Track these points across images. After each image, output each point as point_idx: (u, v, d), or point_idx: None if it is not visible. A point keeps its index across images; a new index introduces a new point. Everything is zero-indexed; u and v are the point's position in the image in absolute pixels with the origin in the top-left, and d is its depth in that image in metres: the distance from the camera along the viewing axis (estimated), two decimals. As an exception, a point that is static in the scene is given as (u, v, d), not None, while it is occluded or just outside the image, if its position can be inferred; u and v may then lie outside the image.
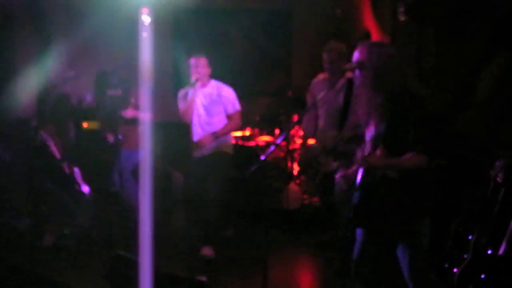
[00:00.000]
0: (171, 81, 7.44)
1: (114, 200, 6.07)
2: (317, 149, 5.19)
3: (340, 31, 7.02)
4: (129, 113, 5.83)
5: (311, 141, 5.42)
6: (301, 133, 5.53)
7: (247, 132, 7.41)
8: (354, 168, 3.36)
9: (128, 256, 4.02)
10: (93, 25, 6.28)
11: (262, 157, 3.50)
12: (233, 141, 5.63)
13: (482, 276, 3.72)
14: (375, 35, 6.26)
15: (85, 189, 5.81)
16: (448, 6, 5.16)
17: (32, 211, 5.61)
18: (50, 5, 6.70)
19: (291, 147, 6.80)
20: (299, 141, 6.90)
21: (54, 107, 6.85)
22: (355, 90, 3.91)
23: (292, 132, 6.62)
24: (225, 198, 5.43)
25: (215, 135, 5.32)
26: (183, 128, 5.70)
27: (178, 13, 7.49)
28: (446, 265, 4.06)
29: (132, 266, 3.34)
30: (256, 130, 7.45)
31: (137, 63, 1.93)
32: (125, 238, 5.22)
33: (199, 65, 5.21)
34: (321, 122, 5.27)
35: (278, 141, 4.64)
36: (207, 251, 5.17)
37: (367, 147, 3.28)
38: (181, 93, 5.41)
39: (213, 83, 5.37)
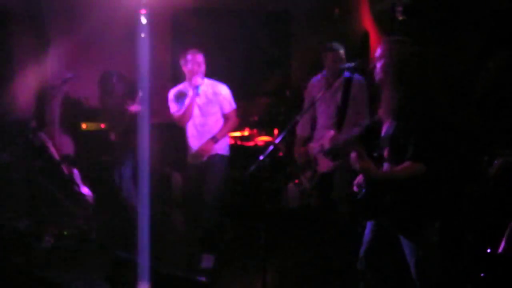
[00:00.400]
0: (170, 82, 7.43)
1: (114, 201, 6.07)
2: (315, 148, 5.20)
3: (338, 31, 7.02)
4: (134, 108, 5.74)
5: (307, 141, 5.42)
6: (297, 132, 5.52)
7: (246, 132, 7.41)
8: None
9: (128, 257, 4.02)
10: (91, 25, 6.28)
11: (261, 157, 3.49)
12: (230, 142, 5.55)
13: (481, 275, 3.72)
14: (373, 35, 6.27)
15: (84, 190, 5.80)
16: (446, 5, 5.17)
17: (31, 213, 5.61)
18: (48, 4, 6.68)
19: (289, 147, 6.81)
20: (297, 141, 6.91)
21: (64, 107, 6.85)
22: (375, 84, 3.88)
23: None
24: (224, 200, 5.42)
25: (215, 140, 5.15)
26: (181, 128, 5.70)
27: (177, 13, 7.48)
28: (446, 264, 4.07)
29: (132, 267, 3.34)
30: (255, 130, 7.45)
31: (136, 63, 1.94)
32: (124, 239, 5.22)
33: (196, 61, 4.99)
34: (319, 122, 5.28)
35: (277, 141, 4.64)
36: (206, 262, 5.09)
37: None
38: (172, 93, 5.20)
39: (207, 81, 5.15)
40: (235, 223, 6.13)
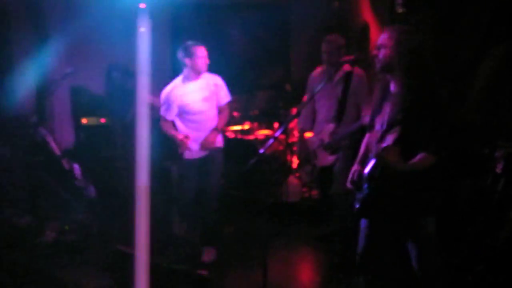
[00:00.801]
0: (170, 77, 7.43)
1: (114, 195, 6.09)
2: (315, 142, 5.21)
3: (338, 24, 7.01)
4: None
5: (309, 134, 5.42)
6: (299, 125, 5.52)
7: (246, 126, 7.42)
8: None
9: (129, 251, 4.03)
10: (91, 20, 6.27)
11: (261, 151, 3.49)
12: (230, 135, 5.49)
13: (481, 266, 3.73)
14: (373, 28, 6.25)
15: (85, 184, 5.81)
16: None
17: (33, 207, 5.62)
18: (47, 0, 6.68)
19: (290, 140, 6.81)
20: (297, 134, 6.92)
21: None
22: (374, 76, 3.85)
23: (291, 125, 6.63)
24: (223, 194, 5.41)
25: (218, 131, 5.09)
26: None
27: (176, 7, 7.47)
28: (446, 257, 4.07)
29: (133, 261, 3.35)
30: (255, 124, 7.46)
31: (135, 58, 1.93)
32: (125, 233, 5.22)
33: (202, 55, 4.87)
34: (319, 115, 5.27)
35: (277, 134, 4.64)
36: (207, 256, 5.09)
37: (376, 135, 3.24)
38: (169, 90, 5.00)
39: (207, 74, 5.03)
40: (236, 217, 6.13)
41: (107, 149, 6.61)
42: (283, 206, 6.37)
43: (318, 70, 5.32)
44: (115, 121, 6.64)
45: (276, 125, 7.24)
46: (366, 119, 3.83)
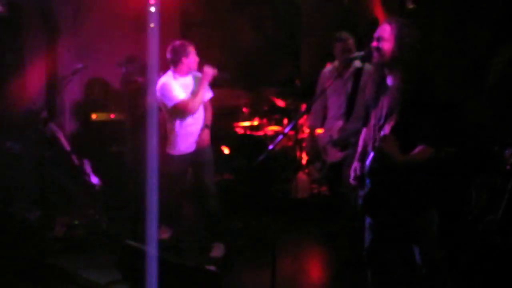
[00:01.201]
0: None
1: (124, 190, 6.11)
2: (324, 139, 5.20)
3: (348, 19, 6.98)
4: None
5: (319, 131, 5.41)
6: (308, 122, 5.52)
7: (256, 122, 7.41)
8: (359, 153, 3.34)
9: (138, 246, 4.04)
10: (101, 16, 6.29)
11: (270, 147, 3.49)
12: (239, 131, 5.46)
13: (492, 264, 3.72)
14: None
15: (95, 180, 5.83)
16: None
17: (42, 203, 5.64)
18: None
19: (299, 137, 6.80)
20: (307, 131, 6.91)
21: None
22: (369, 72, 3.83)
23: (301, 121, 6.62)
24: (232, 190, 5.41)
25: (208, 128, 5.10)
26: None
27: (185, 3, 7.47)
28: (456, 254, 4.06)
29: (142, 256, 3.36)
30: (265, 120, 7.45)
31: (145, 54, 1.94)
32: (135, 228, 5.24)
33: (195, 53, 4.98)
34: (329, 112, 5.26)
35: (286, 130, 4.63)
36: (216, 251, 5.09)
37: (372, 130, 3.22)
38: (174, 84, 4.97)
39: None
40: (245, 213, 6.14)
41: (117, 145, 6.63)
42: (292, 202, 6.37)
43: (329, 66, 5.31)
44: (125, 117, 6.66)
45: (285, 121, 7.23)
46: None
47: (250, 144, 6.96)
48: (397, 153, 3.03)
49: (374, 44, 3.16)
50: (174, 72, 4.97)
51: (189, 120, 5.02)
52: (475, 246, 3.86)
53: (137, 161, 5.86)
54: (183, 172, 5.16)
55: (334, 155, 5.10)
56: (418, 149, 3.03)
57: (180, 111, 4.95)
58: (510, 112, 4.69)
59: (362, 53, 3.87)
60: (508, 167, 3.80)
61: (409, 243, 3.24)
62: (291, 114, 7.04)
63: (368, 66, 4.96)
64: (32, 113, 6.08)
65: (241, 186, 6.60)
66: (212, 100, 5.23)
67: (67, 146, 5.83)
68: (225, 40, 7.52)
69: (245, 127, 7.38)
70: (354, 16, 7.06)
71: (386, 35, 3.11)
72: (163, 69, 5.07)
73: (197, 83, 4.98)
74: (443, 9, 5.22)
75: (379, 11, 6.36)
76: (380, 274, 3.33)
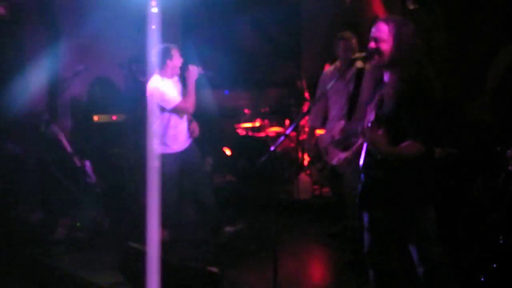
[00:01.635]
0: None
1: (126, 192, 6.11)
2: (326, 139, 5.19)
3: (349, 20, 6.98)
4: None
5: (320, 132, 5.41)
6: (309, 123, 5.51)
7: (257, 123, 7.41)
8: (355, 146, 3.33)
9: (140, 248, 4.04)
10: (102, 18, 6.29)
11: (272, 148, 3.48)
12: (241, 133, 5.55)
13: (494, 265, 3.71)
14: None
15: (96, 181, 5.84)
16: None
17: (44, 204, 5.65)
18: (59, -2, 6.72)
19: (301, 138, 6.80)
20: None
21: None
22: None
23: (302, 122, 6.61)
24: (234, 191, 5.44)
25: (193, 120, 5.34)
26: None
27: (187, 4, 7.48)
28: (458, 255, 4.05)
29: (144, 258, 3.36)
30: (266, 121, 7.45)
31: (146, 55, 1.93)
32: (137, 229, 5.24)
33: (179, 56, 5.15)
34: (331, 113, 5.26)
35: (288, 131, 4.63)
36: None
37: (369, 123, 3.21)
38: (164, 85, 5.08)
39: None
40: (247, 214, 6.14)
41: (118, 147, 6.63)
42: (294, 203, 6.36)
43: (331, 67, 5.30)
44: (126, 118, 6.66)
45: (287, 122, 7.23)
46: None
47: (252, 146, 6.96)
48: (383, 143, 3.01)
49: (373, 45, 3.13)
50: (161, 74, 5.09)
51: (174, 119, 5.16)
52: (478, 246, 3.85)
53: (137, 162, 5.86)
54: (176, 171, 5.25)
55: (336, 156, 5.10)
56: (405, 143, 3.02)
57: (180, 112, 5.13)
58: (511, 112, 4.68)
59: (363, 53, 3.87)
60: (510, 167, 3.79)
61: (407, 242, 3.23)
62: (293, 115, 7.04)
63: (369, 67, 4.96)
64: (34, 115, 6.08)
65: (243, 188, 6.59)
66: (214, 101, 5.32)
67: (68, 148, 5.84)
68: (226, 41, 7.52)
69: (246, 129, 7.38)
70: (355, 17, 7.06)
71: (384, 36, 3.10)
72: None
73: (185, 83, 5.15)
74: (445, 9, 5.22)
75: (380, 11, 6.36)
76: (381, 275, 3.33)
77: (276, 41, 7.96)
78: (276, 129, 7.33)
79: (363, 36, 3.31)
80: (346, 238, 5.07)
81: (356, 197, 3.32)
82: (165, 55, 5.07)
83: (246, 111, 7.48)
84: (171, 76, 5.17)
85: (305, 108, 6.83)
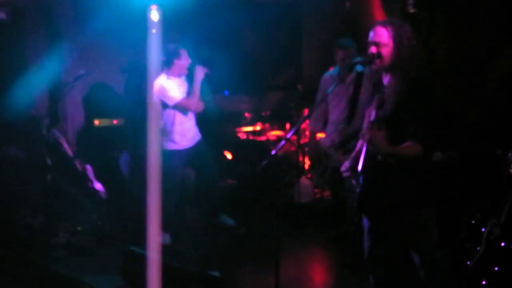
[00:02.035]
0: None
1: (127, 196, 6.11)
2: (326, 143, 5.20)
3: (349, 24, 6.99)
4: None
5: (320, 135, 5.41)
6: (310, 127, 5.52)
7: (258, 127, 7.42)
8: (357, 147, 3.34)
9: (141, 252, 4.04)
10: (103, 22, 6.30)
11: (273, 152, 3.49)
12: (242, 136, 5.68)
13: (495, 268, 3.71)
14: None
15: (98, 186, 5.84)
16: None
17: (46, 209, 5.65)
18: (59, 2, 6.72)
19: (302, 141, 6.80)
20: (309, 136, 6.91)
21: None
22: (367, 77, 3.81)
23: (303, 126, 6.62)
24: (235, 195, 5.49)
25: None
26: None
27: (187, 8, 7.48)
28: (459, 258, 4.05)
29: (145, 262, 3.36)
30: (267, 125, 7.45)
31: (146, 59, 1.94)
32: (138, 233, 5.24)
33: (187, 56, 5.34)
34: (332, 116, 5.27)
35: (289, 135, 4.64)
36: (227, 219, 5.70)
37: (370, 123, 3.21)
38: (172, 84, 5.29)
39: None
40: (248, 217, 6.14)
41: (119, 151, 6.64)
42: (295, 207, 6.36)
43: (331, 71, 5.31)
44: (126, 122, 6.67)
45: (288, 126, 7.23)
46: None
47: (253, 149, 6.96)
48: (383, 143, 3.02)
49: (374, 50, 3.13)
50: (167, 73, 5.29)
51: (180, 117, 5.35)
52: (479, 250, 3.85)
53: (138, 166, 5.87)
54: (182, 167, 5.51)
55: (336, 159, 5.10)
56: (405, 144, 3.03)
57: (182, 109, 5.32)
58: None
59: (364, 58, 3.87)
60: (511, 170, 3.79)
61: (408, 246, 3.23)
62: (294, 118, 7.05)
63: (368, 70, 4.97)
64: (35, 119, 6.09)
65: (244, 191, 6.59)
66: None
67: (70, 152, 5.84)
68: (227, 45, 7.52)
69: (247, 132, 7.38)
70: (355, 21, 7.07)
71: (384, 40, 3.10)
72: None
73: (192, 82, 5.34)
74: (445, 13, 5.23)
75: (380, 15, 6.37)
76: (381, 278, 3.32)
77: (276, 44, 7.97)
78: (276, 132, 7.33)
79: (363, 40, 3.31)
80: (347, 241, 5.06)
81: (355, 201, 3.32)
82: (173, 54, 5.28)
83: (246, 114, 7.49)
84: (178, 75, 5.36)
85: (305, 112, 6.84)
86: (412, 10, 5.44)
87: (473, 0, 5.07)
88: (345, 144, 4.99)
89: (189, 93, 5.36)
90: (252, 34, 7.85)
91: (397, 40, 3.07)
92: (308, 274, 5.03)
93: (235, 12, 7.78)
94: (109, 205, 5.87)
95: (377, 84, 3.25)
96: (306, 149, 6.77)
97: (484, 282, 3.72)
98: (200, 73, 5.30)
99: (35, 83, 6.20)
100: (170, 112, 5.31)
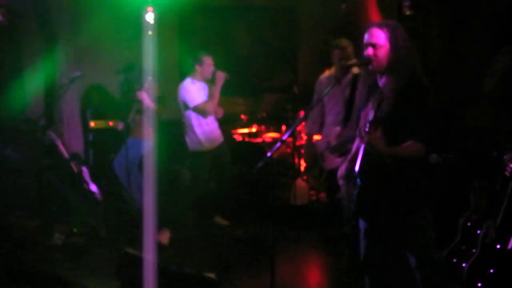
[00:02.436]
0: (176, 79, 7.44)
1: (122, 198, 6.09)
2: (322, 145, 5.20)
3: (345, 26, 7.00)
4: (143, 95, 5.81)
5: (316, 137, 5.41)
6: (306, 129, 5.53)
7: (254, 129, 7.41)
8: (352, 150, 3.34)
9: (137, 254, 4.03)
10: (99, 24, 6.30)
11: (269, 154, 3.49)
12: (238, 138, 5.83)
13: (491, 271, 3.71)
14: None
15: (93, 188, 5.83)
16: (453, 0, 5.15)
17: (41, 211, 5.64)
18: (55, 4, 6.72)
19: (297, 143, 6.80)
20: (305, 137, 6.91)
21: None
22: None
23: (299, 128, 6.62)
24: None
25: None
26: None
27: (183, 10, 7.49)
28: (455, 260, 4.05)
29: (141, 264, 3.35)
30: (263, 127, 7.45)
31: (143, 61, 1.94)
32: (133, 236, 5.24)
33: (210, 63, 5.65)
34: (328, 119, 5.27)
35: (285, 137, 4.63)
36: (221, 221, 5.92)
37: (362, 128, 3.21)
38: (195, 87, 5.64)
39: None
40: (243, 219, 6.14)
41: (115, 152, 6.62)
42: (291, 209, 6.36)
43: (326, 74, 5.31)
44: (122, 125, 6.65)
45: (283, 128, 7.23)
46: None
47: (249, 151, 6.96)
48: (383, 144, 3.01)
49: (370, 51, 3.13)
50: (192, 78, 5.67)
51: (205, 120, 5.70)
52: (475, 252, 3.85)
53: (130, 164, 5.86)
54: (207, 167, 5.81)
55: (332, 161, 5.10)
56: (406, 144, 3.03)
57: (200, 111, 5.63)
58: (508, 117, 4.70)
59: (360, 60, 3.88)
60: (507, 172, 3.80)
61: (404, 248, 3.23)
62: (290, 120, 7.05)
63: (363, 72, 4.97)
64: (31, 121, 6.08)
65: (239, 193, 6.59)
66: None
67: (65, 154, 5.83)
68: (223, 47, 7.53)
69: (243, 134, 7.38)
70: (351, 23, 7.08)
71: (380, 41, 3.09)
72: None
73: (211, 87, 5.68)
74: (441, 15, 5.24)
75: (376, 17, 6.38)
76: (377, 280, 3.32)
77: (272, 46, 7.97)
78: (272, 134, 7.33)
79: (359, 42, 3.30)
80: (343, 243, 5.06)
81: (352, 202, 3.32)
82: (195, 60, 5.65)
83: (242, 116, 7.48)
84: (202, 80, 5.69)
85: (301, 114, 6.84)
86: (408, 12, 5.45)
87: (468, 2, 5.09)
88: (342, 147, 4.99)
89: (210, 96, 5.66)
90: (247, 36, 7.85)
91: (393, 41, 3.07)
92: (304, 275, 5.03)
93: (231, 15, 7.80)
94: (104, 206, 5.86)
95: (373, 86, 3.25)
96: (302, 151, 6.77)
97: (479, 285, 3.73)
98: (220, 78, 5.59)
99: (31, 85, 6.21)
100: (192, 114, 5.65)
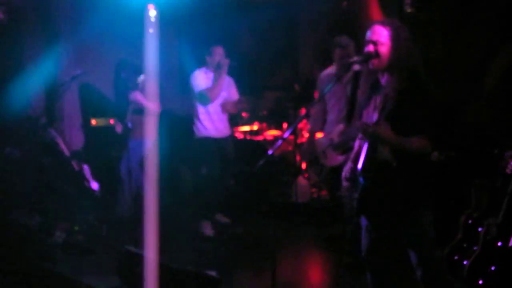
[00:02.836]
0: (177, 76, 7.44)
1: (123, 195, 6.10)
2: (324, 142, 5.19)
3: (346, 24, 6.99)
4: (137, 96, 5.88)
5: (319, 135, 5.41)
6: (308, 126, 5.52)
7: (255, 127, 7.41)
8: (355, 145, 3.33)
9: (138, 252, 4.03)
10: (100, 22, 6.29)
11: (270, 152, 3.48)
12: (239, 136, 5.80)
13: (492, 268, 3.71)
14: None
15: (94, 185, 5.83)
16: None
17: (42, 208, 5.64)
18: (56, 2, 6.71)
19: (299, 141, 6.80)
20: (307, 135, 6.90)
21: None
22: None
23: (300, 126, 6.61)
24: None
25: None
26: (189, 121, 5.78)
27: (184, 8, 7.48)
28: (456, 258, 4.05)
29: (142, 262, 3.35)
30: (264, 125, 7.45)
31: (144, 58, 1.93)
32: (134, 233, 5.24)
33: (219, 53, 5.76)
34: (329, 116, 5.26)
35: (286, 135, 4.63)
36: (207, 229, 5.70)
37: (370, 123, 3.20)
38: (199, 73, 5.77)
39: None
40: (245, 217, 6.14)
41: (116, 150, 6.63)
42: (292, 206, 6.36)
43: (327, 71, 5.30)
44: (120, 121, 6.65)
45: (285, 125, 7.23)
46: None
47: (250, 149, 6.96)
48: (391, 134, 3.00)
49: (371, 48, 3.13)
50: (205, 68, 5.82)
51: (214, 107, 5.77)
52: (476, 249, 3.85)
53: (132, 167, 5.87)
54: (213, 153, 5.78)
55: (334, 158, 5.10)
56: (411, 138, 3.02)
57: (203, 97, 5.71)
58: (509, 115, 4.69)
59: (361, 57, 3.87)
60: (508, 169, 3.79)
61: (406, 245, 3.22)
62: (291, 118, 7.05)
63: (365, 69, 4.96)
64: (32, 119, 6.07)
65: (241, 191, 6.59)
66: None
67: (66, 152, 5.83)
68: (224, 45, 7.54)
69: (244, 132, 7.38)
70: (352, 20, 7.08)
71: (382, 38, 3.09)
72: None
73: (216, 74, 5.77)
74: (442, 12, 5.23)
75: (377, 15, 6.38)
76: (379, 277, 3.32)
77: (273, 44, 7.97)
78: (274, 132, 7.33)
79: (360, 40, 3.30)
80: (344, 240, 5.06)
81: (354, 200, 3.31)
82: (206, 52, 5.82)
83: (244, 114, 7.49)
84: (213, 70, 5.78)
85: (302, 111, 6.84)
86: (409, 10, 5.44)
87: (469, 1, 5.08)
88: (345, 144, 4.99)
89: (213, 83, 5.74)
90: (249, 34, 7.85)
91: (395, 39, 3.07)
92: (305, 273, 5.03)
93: (232, 12, 7.79)
94: (105, 204, 5.86)
95: (375, 84, 3.24)
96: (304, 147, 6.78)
97: (481, 282, 3.73)
98: (223, 65, 5.68)
99: (31, 82, 6.19)
100: (196, 102, 5.78)
